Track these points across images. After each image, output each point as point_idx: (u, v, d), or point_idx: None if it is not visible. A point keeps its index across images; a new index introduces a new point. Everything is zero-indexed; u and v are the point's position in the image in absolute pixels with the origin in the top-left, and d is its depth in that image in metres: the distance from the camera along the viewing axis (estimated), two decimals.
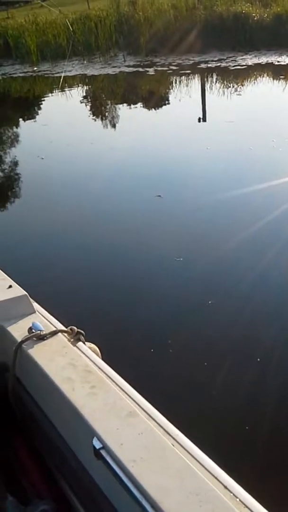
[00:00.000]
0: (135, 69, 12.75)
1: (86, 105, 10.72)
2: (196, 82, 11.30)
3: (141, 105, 10.00)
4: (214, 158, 6.28)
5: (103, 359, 1.49)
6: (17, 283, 1.75)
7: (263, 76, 10.82)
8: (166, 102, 10.01)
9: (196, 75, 11.61)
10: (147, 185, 5.60)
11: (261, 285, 3.54)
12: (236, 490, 1.02)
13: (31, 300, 1.70)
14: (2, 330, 1.61)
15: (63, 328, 1.58)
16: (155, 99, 10.20)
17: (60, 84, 12.18)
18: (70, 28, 15.24)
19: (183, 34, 13.51)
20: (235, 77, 10.82)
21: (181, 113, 8.95)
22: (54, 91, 11.99)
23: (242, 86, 10.28)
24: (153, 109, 9.64)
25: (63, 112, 10.25)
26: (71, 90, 11.78)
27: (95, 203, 5.22)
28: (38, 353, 1.47)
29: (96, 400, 1.26)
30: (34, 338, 1.51)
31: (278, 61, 11.66)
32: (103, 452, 1.13)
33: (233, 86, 10.32)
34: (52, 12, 18.10)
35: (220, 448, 1.69)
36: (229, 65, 11.69)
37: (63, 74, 13.00)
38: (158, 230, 4.49)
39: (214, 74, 11.40)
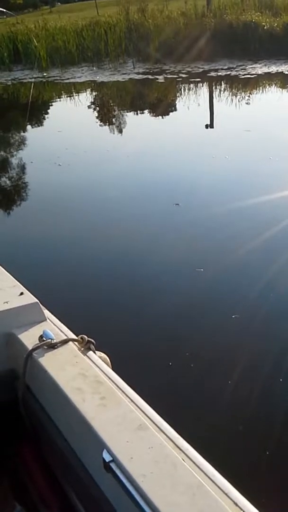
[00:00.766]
0: (144, 76, 12.80)
1: (97, 111, 10.75)
2: (205, 90, 11.32)
3: (152, 112, 10.00)
4: (227, 165, 6.27)
5: (113, 368, 1.48)
6: (28, 290, 1.75)
7: (272, 85, 10.83)
8: (176, 109, 10.03)
9: (205, 83, 11.63)
10: (164, 193, 5.54)
11: None
12: (247, 508, 1.01)
13: (42, 307, 1.69)
14: (13, 337, 1.61)
15: (74, 336, 1.57)
16: (165, 106, 10.22)
17: (71, 90, 12.23)
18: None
19: (193, 42, 13.50)
20: (244, 85, 10.83)
21: (195, 121, 8.95)
22: (64, 96, 12.04)
23: (251, 94, 10.30)
24: (164, 116, 9.66)
25: (75, 119, 10.25)
26: (81, 96, 11.84)
27: (112, 211, 5.19)
28: (49, 362, 1.46)
29: (106, 412, 1.26)
30: (45, 347, 1.50)
31: None
32: (112, 465, 1.12)
33: (243, 95, 10.32)
34: (61, 18, 18.25)
35: (232, 464, 1.67)
36: (239, 74, 11.70)
37: (72, 80, 13.06)
38: (177, 239, 4.41)
39: (223, 82, 11.41)
